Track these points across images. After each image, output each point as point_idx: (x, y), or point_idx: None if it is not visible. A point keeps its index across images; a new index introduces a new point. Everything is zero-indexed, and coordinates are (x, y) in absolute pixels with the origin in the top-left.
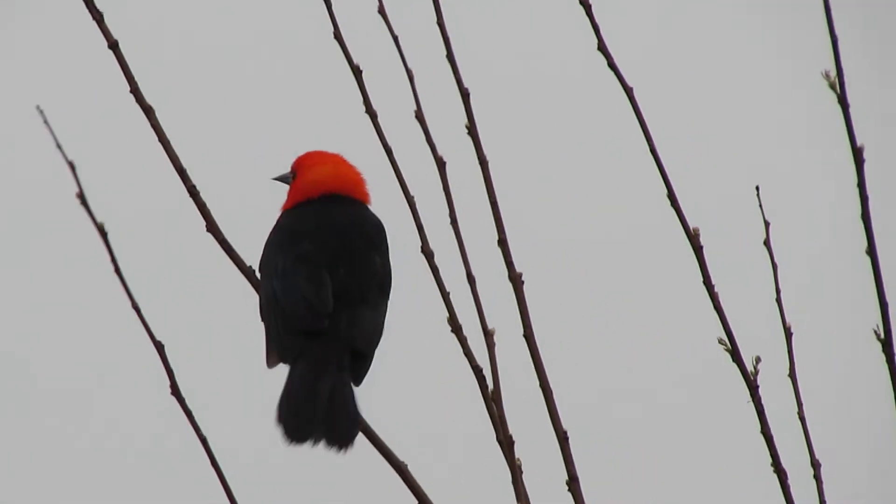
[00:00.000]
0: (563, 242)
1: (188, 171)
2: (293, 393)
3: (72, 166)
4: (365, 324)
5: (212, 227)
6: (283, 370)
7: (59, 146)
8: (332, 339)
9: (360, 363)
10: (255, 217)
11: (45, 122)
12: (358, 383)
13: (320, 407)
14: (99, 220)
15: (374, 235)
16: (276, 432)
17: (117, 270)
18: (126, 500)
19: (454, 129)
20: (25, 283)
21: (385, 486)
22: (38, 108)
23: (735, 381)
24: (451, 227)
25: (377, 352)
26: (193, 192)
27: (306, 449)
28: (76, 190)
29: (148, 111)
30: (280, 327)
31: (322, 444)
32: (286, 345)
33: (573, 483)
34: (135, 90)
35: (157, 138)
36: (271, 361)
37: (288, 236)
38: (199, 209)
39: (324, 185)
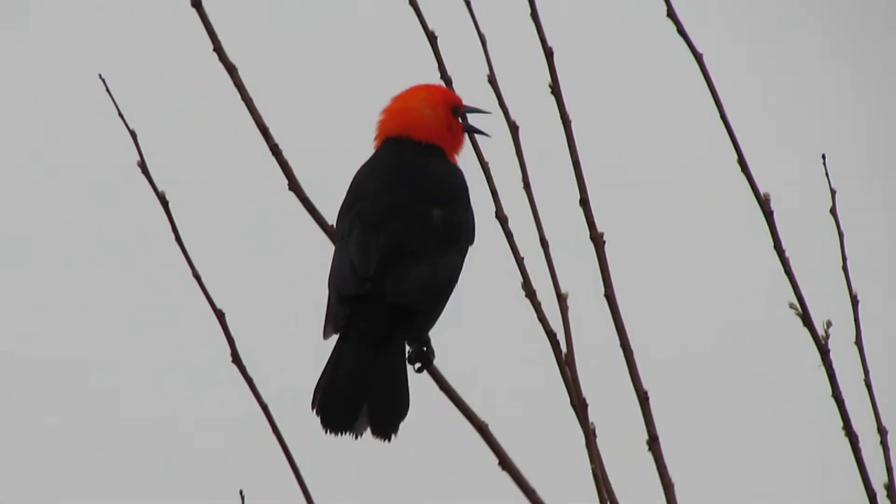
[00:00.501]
0: (639, 206)
1: (270, 131)
2: (334, 377)
3: (133, 135)
4: (418, 279)
5: (294, 186)
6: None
7: (121, 115)
8: (380, 306)
9: (415, 321)
10: (337, 176)
11: (108, 90)
12: (413, 342)
13: (361, 392)
14: (160, 188)
15: (434, 188)
16: (314, 419)
17: (178, 239)
18: (189, 467)
19: (531, 91)
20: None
21: (464, 446)
22: (100, 76)
23: (803, 346)
24: (523, 190)
25: (444, 310)
26: (276, 150)
27: (344, 438)
28: (137, 159)
29: (231, 70)
30: (333, 296)
31: (365, 434)
32: (337, 314)
33: (654, 443)
34: (218, 49)
35: (239, 97)
36: (326, 332)
37: (352, 195)
38: (282, 168)
39: (387, 126)
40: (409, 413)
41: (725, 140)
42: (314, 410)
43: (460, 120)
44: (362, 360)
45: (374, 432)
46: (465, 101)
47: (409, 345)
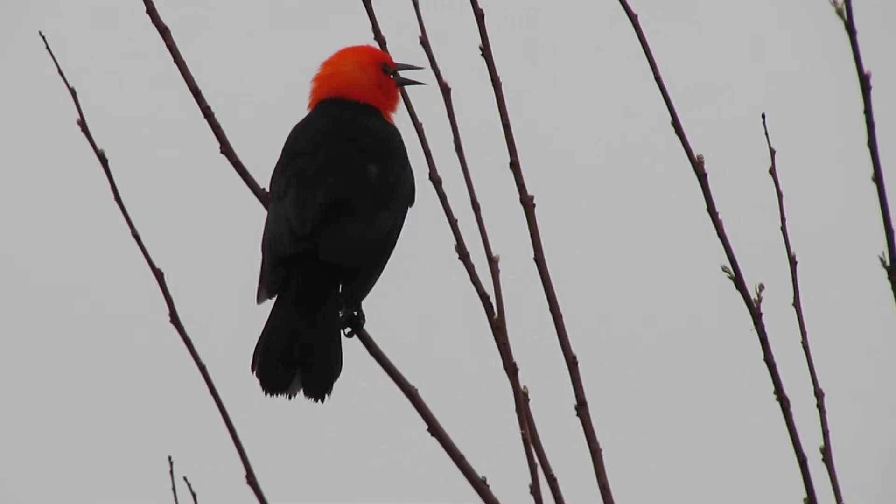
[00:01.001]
0: (570, 168)
1: (202, 93)
2: (270, 339)
3: (73, 93)
4: (352, 238)
5: (226, 149)
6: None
7: (60, 73)
8: (315, 265)
9: (352, 281)
10: (269, 139)
11: (48, 48)
12: (352, 304)
13: (297, 354)
14: (100, 146)
15: (370, 144)
16: (254, 381)
17: (117, 198)
18: (121, 428)
19: (462, 55)
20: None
21: (394, 410)
22: (40, 33)
23: (738, 310)
24: (455, 153)
25: (384, 268)
26: (208, 113)
27: (280, 399)
28: (77, 117)
29: (163, 32)
30: (267, 258)
31: (299, 395)
32: (271, 277)
33: (582, 408)
34: (151, 10)
35: (172, 59)
36: (260, 296)
37: (287, 153)
38: (214, 131)
39: (320, 90)
40: (341, 374)
41: (661, 102)
42: (254, 373)
43: (392, 77)
44: (296, 321)
45: (306, 393)
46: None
47: (350, 307)
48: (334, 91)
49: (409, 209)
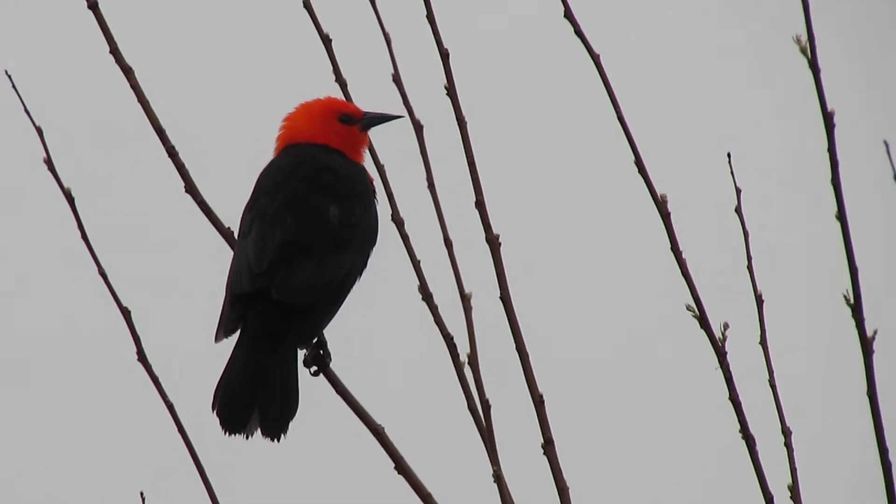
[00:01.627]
0: (534, 208)
1: (167, 133)
2: (229, 379)
3: (39, 131)
4: (305, 277)
5: (190, 188)
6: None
7: (27, 111)
8: (271, 304)
9: (306, 319)
10: (234, 179)
11: (14, 86)
12: (303, 344)
13: (253, 394)
14: (66, 185)
15: (332, 182)
16: (214, 421)
17: (84, 236)
18: (90, 465)
19: (428, 93)
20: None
21: (361, 449)
22: (6, 72)
23: (703, 349)
24: (427, 190)
25: (339, 310)
26: (172, 153)
27: (241, 439)
28: (44, 155)
29: (127, 72)
30: (227, 297)
31: (256, 434)
32: (229, 315)
33: (548, 446)
34: (114, 50)
35: (136, 99)
36: (218, 335)
37: (253, 194)
38: (178, 170)
39: (287, 136)
40: (297, 413)
41: (624, 141)
42: (214, 412)
43: (353, 124)
44: (253, 361)
45: (263, 432)
46: (367, 104)
47: (303, 346)
48: (295, 139)
49: (372, 250)
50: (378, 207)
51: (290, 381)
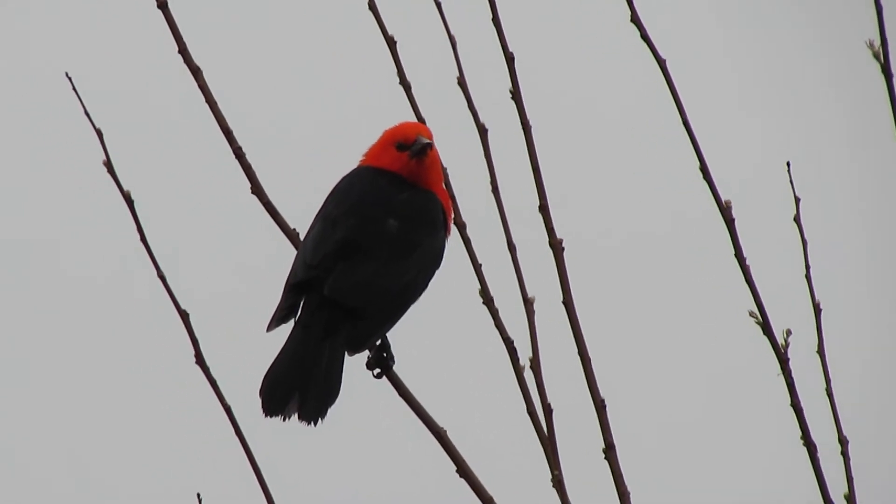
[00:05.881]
0: (600, 214)
1: (234, 133)
2: (276, 364)
3: (99, 134)
4: (363, 279)
5: (256, 189)
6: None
7: (87, 113)
8: (324, 300)
9: (360, 325)
10: (299, 180)
11: (74, 88)
12: (355, 348)
13: (296, 379)
14: (126, 188)
15: (397, 203)
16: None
17: (143, 239)
18: (149, 467)
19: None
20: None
21: (423, 452)
22: (66, 74)
23: (766, 356)
24: (491, 194)
25: (396, 321)
26: (239, 153)
27: (280, 421)
28: (103, 158)
29: (196, 72)
30: (284, 289)
31: (295, 418)
32: (281, 305)
33: (610, 451)
34: (183, 50)
35: (204, 99)
36: (270, 325)
37: (322, 205)
38: (245, 171)
39: (367, 157)
40: (336, 401)
41: (689, 147)
42: (259, 395)
43: (405, 150)
44: (300, 348)
45: (300, 416)
46: (431, 108)
47: (356, 350)
48: (371, 162)
49: (435, 272)
50: (447, 236)
51: (334, 370)
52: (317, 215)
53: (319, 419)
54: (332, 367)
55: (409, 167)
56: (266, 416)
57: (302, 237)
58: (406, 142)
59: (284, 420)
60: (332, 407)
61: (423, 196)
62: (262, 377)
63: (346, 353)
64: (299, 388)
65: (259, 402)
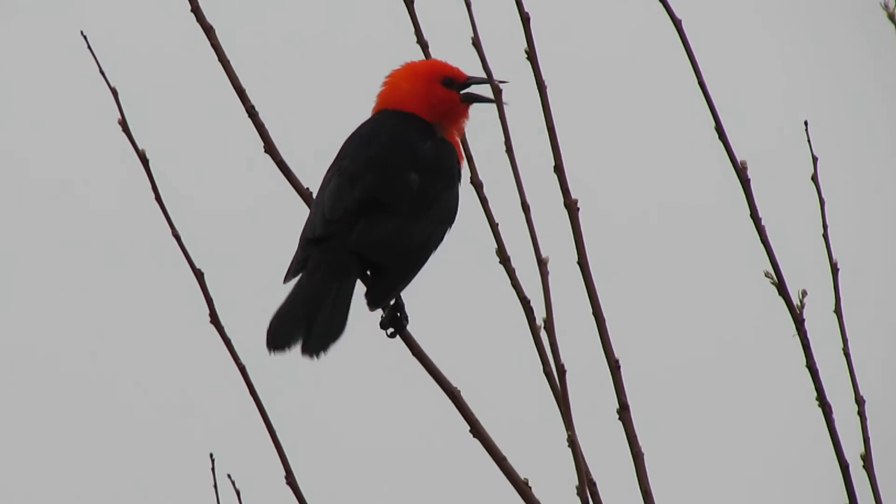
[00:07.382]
0: (612, 174)
1: (247, 92)
2: (284, 304)
3: (114, 92)
4: (388, 236)
5: (269, 148)
6: None
7: (102, 72)
8: (339, 247)
9: (381, 279)
10: (313, 139)
11: (89, 47)
12: (375, 305)
13: (302, 317)
14: (141, 147)
15: (416, 156)
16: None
17: (158, 198)
18: (161, 427)
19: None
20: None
21: (437, 412)
22: (81, 33)
23: (781, 316)
24: (505, 154)
25: (412, 278)
26: (252, 112)
27: (282, 355)
28: (118, 117)
29: (208, 31)
30: (300, 243)
31: (297, 351)
32: (297, 257)
33: (624, 412)
34: (196, 9)
35: (217, 58)
36: (287, 276)
37: (338, 155)
38: (258, 130)
39: (380, 102)
40: (340, 338)
41: (704, 107)
42: (266, 333)
43: (457, 91)
44: (308, 289)
45: (303, 350)
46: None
47: (374, 308)
48: (392, 104)
49: (449, 229)
50: (460, 190)
51: (340, 309)
52: (332, 165)
53: (322, 352)
54: (339, 307)
55: (455, 110)
56: (270, 351)
57: (315, 194)
58: (457, 79)
59: (286, 352)
60: (336, 343)
61: (443, 147)
62: (272, 316)
63: (351, 297)
64: (305, 325)
65: (265, 339)
